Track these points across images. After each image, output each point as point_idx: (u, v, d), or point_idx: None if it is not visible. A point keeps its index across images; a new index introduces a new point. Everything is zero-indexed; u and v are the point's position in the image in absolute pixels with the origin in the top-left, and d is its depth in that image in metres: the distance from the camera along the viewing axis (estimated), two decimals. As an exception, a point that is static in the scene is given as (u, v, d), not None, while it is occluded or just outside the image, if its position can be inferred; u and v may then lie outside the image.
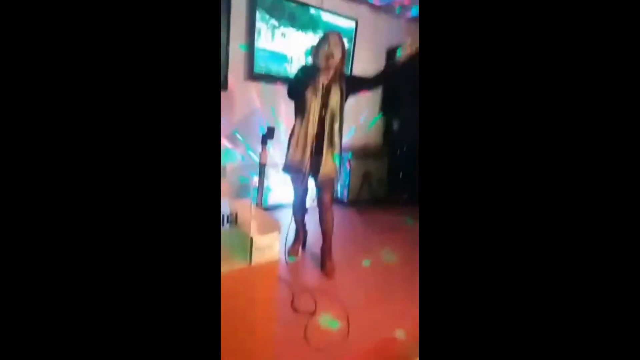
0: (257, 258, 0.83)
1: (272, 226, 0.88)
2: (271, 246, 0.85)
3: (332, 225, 1.82)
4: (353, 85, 1.70)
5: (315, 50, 1.60)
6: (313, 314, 1.46)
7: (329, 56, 1.54)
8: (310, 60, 1.64)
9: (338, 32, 1.65)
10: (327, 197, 1.76)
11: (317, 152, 1.65)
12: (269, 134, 1.33)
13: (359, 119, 3.15)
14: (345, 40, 1.65)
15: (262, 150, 1.30)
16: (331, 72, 1.60)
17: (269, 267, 0.87)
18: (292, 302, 1.53)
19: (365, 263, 1.98)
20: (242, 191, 2.49)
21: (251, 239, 0.82)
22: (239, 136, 2.51)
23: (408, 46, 1.56)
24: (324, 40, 1.59)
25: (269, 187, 2.65)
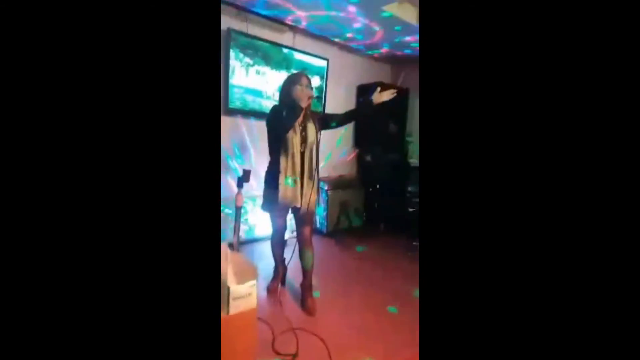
0: (235, 308, 0.82)
1: (250, 273, 0.88)
2: (249, 295, 0.84)
3: (313, 260, 1.81)
4: (325, 121, 1.78)
5: (288, 89, 1.66)
6: (295, 356, 1.41)
7: (309, 95, 1.61)
8: (285, 98, 1.67)
9: (305, 73, 1.75)
10: (307, 231, 1.77)
11: (300, 185, 1.68)
12: (245, 176, 1.34)
13: (335, 150, 3.25)
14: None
15: (238, 193, 1.30)
16: (306, 104, 1.66)
17: (247, 316, 0.86)
18: (273, 343, 1.47)
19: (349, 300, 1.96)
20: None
21: (228, 289, 0.81)
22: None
23: (378, 94, 1.68)
24: (296, 80, 1.66)
25: (248, 222, 2.61)
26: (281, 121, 1.62)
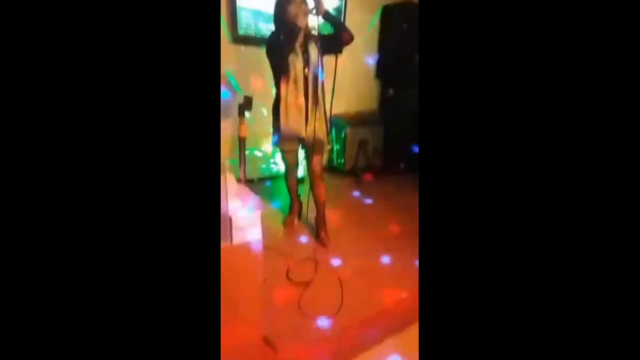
0: (238, 238, 0.80)
1: (253, 203, 0.84)
2: (252, 225, 0.82)
3: (324, 193, 1.79)
4: (329, 40, 1.56)
5: (282, 10, 1.44)
6: (308, 284, 1.47)
7: (305, 11, 1.43)
8: (280, 22, 1.47)
9: None
10: (317, 163, 1.71)
11: (305, 115, 1.58)
12: (246, 104, 1.23)
13: (353, 82, 3.00)
14: None
15: (240, 122, 1.22)
16: (305, 29, 1.50)
17: (252, 246, 0.84)
18: (287, 272, 1.54)
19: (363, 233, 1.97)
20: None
21: (230, 218, 0.78)
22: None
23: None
24: None
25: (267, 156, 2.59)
26: (279, 47, 1.46)
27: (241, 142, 1.28)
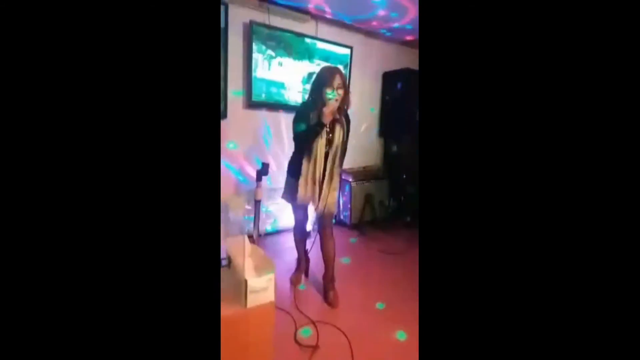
0: (252, 301, 0.82)
1: (267, 266, 0.88)
2: (266, 288, 0.84)
3: (334, 253, 1.80)
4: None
5: (318, 90, 1.53)
6: (316, 347, 1.41)
7: (332, 110, 1.50)
8: (314, 98, 1.58)
9: (339, 68, 1.63)
10: (328, 229, 1.77)
11: (320, 188, 1.65)
12: (264, 170, 1.34)
13: (359, 139, 3.18)
14: (344, 73, 1.66)
15: (257, 186, 1.31)
16: (335, 115, 1.58)
17: (265, 309, 0.86)
18: (295, 335, 1.49)
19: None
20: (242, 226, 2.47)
21: (245, 282, 0.81)
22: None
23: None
24: (326, 80, 1.52)
25: (272, 214, 2.65)
26: (306, 129, 1.55)
27: (256, 205, 1.35)
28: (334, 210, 1.74)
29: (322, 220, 1.74)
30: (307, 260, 2.04)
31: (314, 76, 1.63)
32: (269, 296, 0.86)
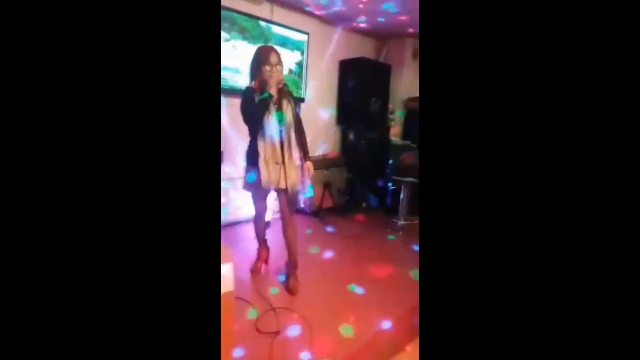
0: (210, 292, 0.81)
1: (225, 256, 0.86)
2: (225, 277, 0.83)
3: (295, 238, 1.80)
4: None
5: (257, 70, 1.60)
6: (277, 333, 1.43)
7: (278, 80, 1.56)
8: (254, 77, 1.63)
9: (270, 46, 1.71)
10: (290, 211, 1.75)
11: (283, 168, 1.65)
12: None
13: (318, 129, 3.20)
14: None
15: None
16: (278, 86, 1.62)
17: (224, 299, 0.85)
18: (256, 323, 1.49)
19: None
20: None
21: (202, 273, 0.79)
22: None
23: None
24: (264, 58, 1.58)
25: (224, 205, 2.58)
26: (254, 107, 1.57)
27: None
28: (297, 189, 1.72)
29: (285, 204, 1.72)
30: (267, 248, 2.04)
31: (252, 57, 1.66)
32: (227, 286, 0.85)
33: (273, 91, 1.56)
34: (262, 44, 2.55)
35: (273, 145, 1.62)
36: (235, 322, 1.43)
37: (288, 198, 1.71)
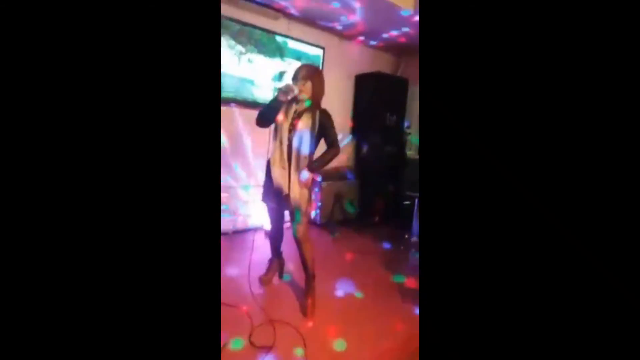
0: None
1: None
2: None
3: (310, 257, 1.72)
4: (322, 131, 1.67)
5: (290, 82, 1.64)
6: (270, 349, 1.39)
7: (285, 90, 1.56)
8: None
9: (308, 65, 1.74)
10: (299, 226, 1.66)
11: (288, 174, 1.64)
12: None
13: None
14: (319, 70, 1.72)
15: None
16: (300, 97, 1.63)
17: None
18: (250, 335, 1.46)
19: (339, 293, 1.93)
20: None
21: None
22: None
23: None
24: (295, 72, 1.64)
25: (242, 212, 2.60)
26: (268, 110, 1.61)
27: None
28: (304, 206, 1.65)
29: (293, 217, 1.68)
30: (282, 261, 2.00)
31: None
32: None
33: (281, 98, 1.56)
34: (280, 59, 2.64)
35: (281, 150, 1.63)
36: (229, 332, 1.42)
37: (295, 211, 1.67)
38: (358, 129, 3.39)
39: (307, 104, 1.63)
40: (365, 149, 3.28)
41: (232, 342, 1.40)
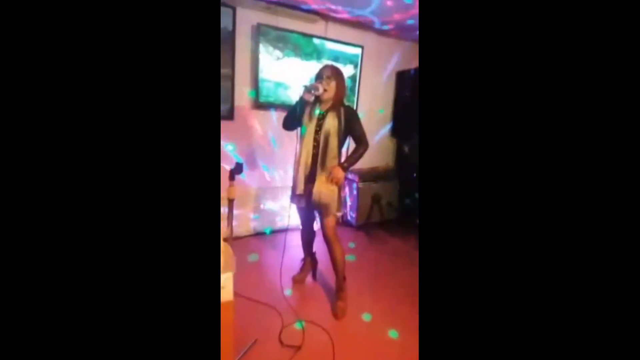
0: (208, 299, 0.84)
1: (227, 266, 0.89)
2: (224, 287, 0.86)
3: (341, 259, 1.70)
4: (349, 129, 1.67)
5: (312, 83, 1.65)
6: (299, 348, 1.42)
7: (310, 88, 1.58)
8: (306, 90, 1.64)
9: (331, 65, 1.72)
10: (327, 226, 1.65)
11: (311, 178, 1.64)
12: (237, 169, 1.36)
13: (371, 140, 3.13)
14: (340, 69, 1.70)
15: (230, 185, 1.33)
16: (329, 102, 1.64)
17: (223, 309, 0.88)
18: (280, 334, 1.50)
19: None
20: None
21: (202, 280, 0.83)
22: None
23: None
24: (318, 73, 1.65)
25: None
26: (292, 112, 1.65)
27: (230, 204, 1.39)
28: (328, 202, 1.61)
29: (320, 216, 1.68)
30: (315, 261, 2.02)
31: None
32: (227, 295, 0.88)
33: (307, 97, 1.58)
34: (317, 61, 2.66)
35: (307, 150, 1.63)
36: (258, 330, 1.48)
37: (320, 211, 1.66)
38: (399, 128, 3.27)
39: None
40: (406, 148, 3.15)
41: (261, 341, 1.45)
